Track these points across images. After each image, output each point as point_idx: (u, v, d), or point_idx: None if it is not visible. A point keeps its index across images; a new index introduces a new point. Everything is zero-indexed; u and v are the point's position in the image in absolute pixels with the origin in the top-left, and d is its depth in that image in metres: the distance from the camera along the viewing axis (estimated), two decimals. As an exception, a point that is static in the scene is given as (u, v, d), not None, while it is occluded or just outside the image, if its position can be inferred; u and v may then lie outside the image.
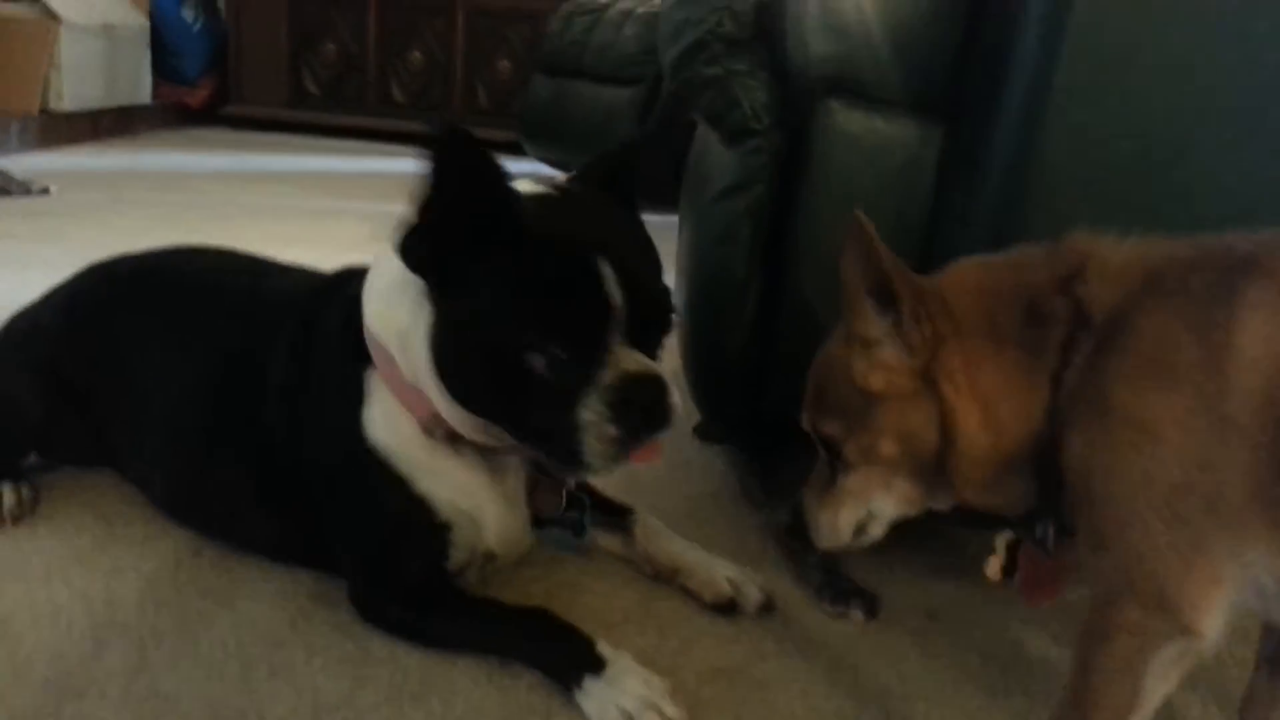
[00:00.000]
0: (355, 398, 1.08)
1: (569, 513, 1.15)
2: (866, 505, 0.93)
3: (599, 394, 0.94)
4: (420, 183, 0.94)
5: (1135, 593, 0.75)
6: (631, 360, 0.96)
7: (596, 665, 1.00)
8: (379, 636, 1.10)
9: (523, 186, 1.04)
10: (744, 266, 1.30)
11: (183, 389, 1.24)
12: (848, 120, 1.21)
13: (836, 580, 1.23)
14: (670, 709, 0.97)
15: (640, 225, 1.08)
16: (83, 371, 1.31)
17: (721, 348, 1.34)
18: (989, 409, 0.83)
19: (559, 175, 4.15)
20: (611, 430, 0.94)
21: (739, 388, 1.35)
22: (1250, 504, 0.71)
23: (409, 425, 1.07)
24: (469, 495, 1.09)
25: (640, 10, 4.13)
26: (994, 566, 0.97)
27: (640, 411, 0.95)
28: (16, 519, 1.30)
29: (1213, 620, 0.73)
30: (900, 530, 1.39)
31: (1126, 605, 0.75)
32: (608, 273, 0.93)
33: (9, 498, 1.31)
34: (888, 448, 0.88)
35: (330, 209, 3.58)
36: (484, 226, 0.95)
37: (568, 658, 1.03)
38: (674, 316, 1.04)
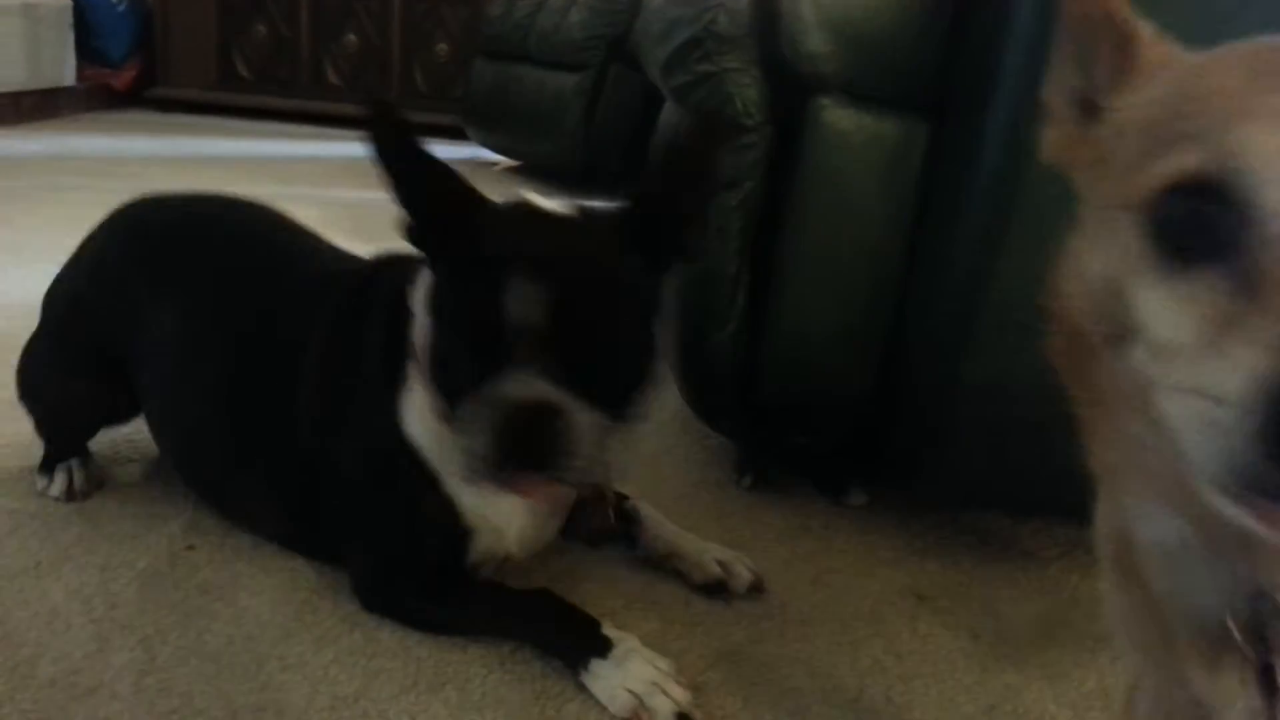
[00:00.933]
0: (394, 388, 1.09)
1: (619, 526, 1.17)
2: None
3: (483, 409, 0.93)
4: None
5: None
6: (530, 389, 0.92)
7: (603, 647, 1.02)
8: (387, 627, 1.11)
9: (534, 198, 1.06)
10: (734, 261, 1.33)
11: (209, 357, 1.25)
12: (837, 117, 1.25)
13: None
14: (676, 690, 1.00)
15: (616, 274, 1.00)
16: (124, 335, 1.31)
17: (711, 342, 1.37)
18: None
19: (504, 160, 4.09)
20: (477, 447, 0.93)
21: (728, 381, 1.39)
22: None
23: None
24: (496, 506, 1.09)
25: (584, -4, 4.13)
26: None
27: (514, 442, 0.92)
28: (86, 495, 1.34)
29: None
30: (881, 514, 1.44)
31: None
32: (535, 291, 0.91)
33: (77, 476, 1.34)
34: None
35: (277, 195, 3.46)
36: (447, 213, 0.98)
37: (574, 641, 1.05)
38: (617, 368, 0.98)
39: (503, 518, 1.11)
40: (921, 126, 1.25)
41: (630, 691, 1.00)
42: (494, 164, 4.78)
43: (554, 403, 0.93)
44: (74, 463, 1.35)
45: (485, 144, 4.64)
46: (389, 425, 1.09)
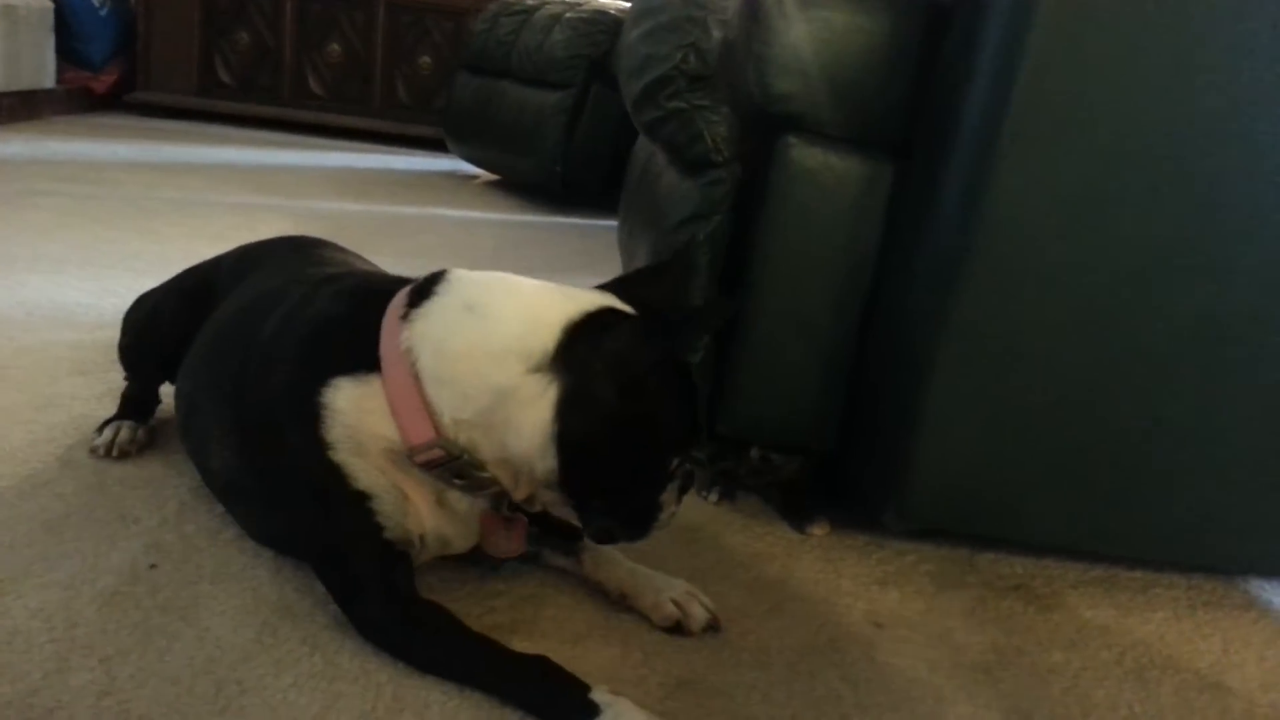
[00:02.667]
0: (321, 376, 1.13)
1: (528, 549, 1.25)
2: None
3: (680, 480, 1.16)
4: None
5: None
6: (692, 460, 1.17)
7: (590, 712, 1.00)
8: (348, 651, 1.12)
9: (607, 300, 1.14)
10: (701, 294, 1.35)
11: (217, 341, 1.37)
12: (804, 156, 1.27)
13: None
14: None
15: None
16: (215, 303, 1.47)
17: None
18: None
19: (483, 174, 4.12)
20: (675, 509, 1.17)
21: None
22: None
23: (375, 426, 1.12)
24: (386, 474, 1.13)
25: (569, 15, 4.16)
26: None
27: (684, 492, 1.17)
28: (124, 454, 1.49)
29: None
30: (844, 544, 1.47)
31: None
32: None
33: (124, 433, 1.50)
34: None
35: (255, 204, 3.50)
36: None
37: (561, 704, 1.03)
38: None
39: (394, 487, 1.14)
40: (887, 166, 1.28)
41: None
42: (473, 177, 4.80)
43: None
44: (125, 423, 1.52)
45: (465, 157, 4.66)
46: (306, 401, 1.13)
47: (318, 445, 1.12)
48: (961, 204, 1.17)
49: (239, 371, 1.25)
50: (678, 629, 1.21)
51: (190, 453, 1.43)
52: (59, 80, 5.13)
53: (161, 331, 1.53)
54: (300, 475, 1.15)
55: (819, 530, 1.48)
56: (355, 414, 1.12)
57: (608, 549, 1.28)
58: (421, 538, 1.17)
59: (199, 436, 1.37)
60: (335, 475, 1.12)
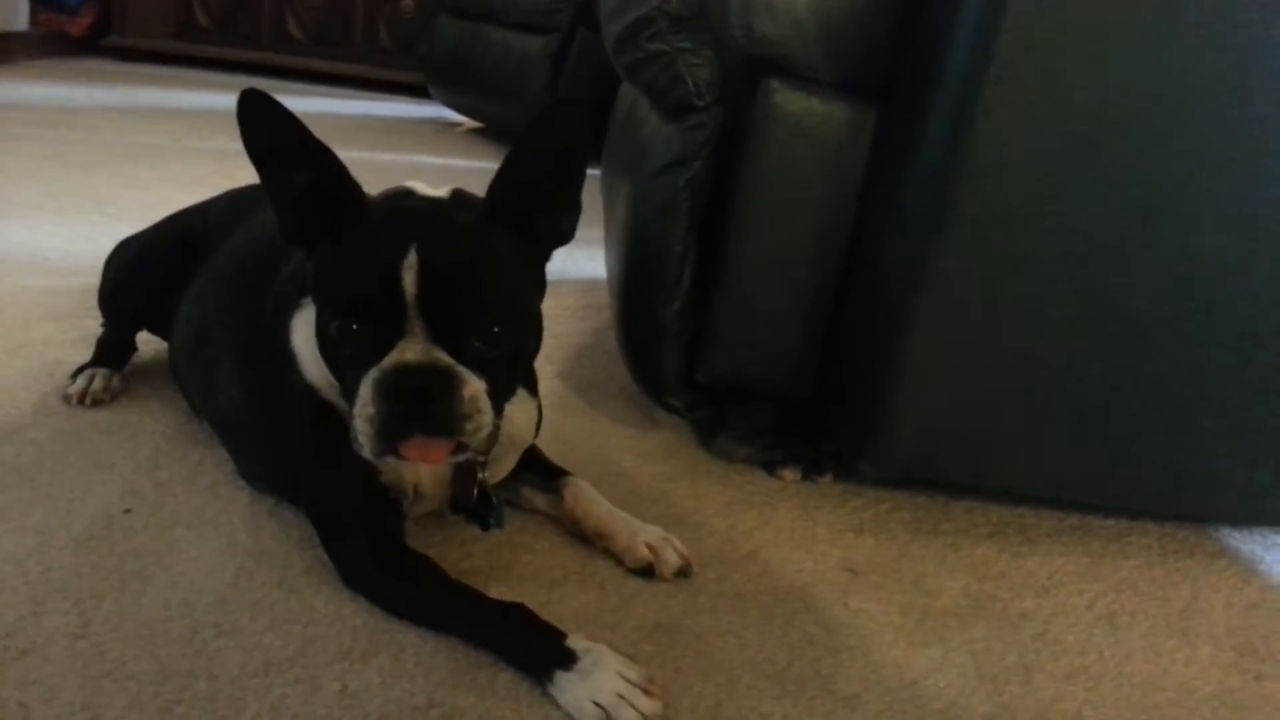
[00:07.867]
0: (289, 306, 1.17)
1: (479, 505, 1.18)
2: None
3: (374, 374, 0.98)
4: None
5: None
6: (416, 352, 0.98)
7: (567, 659, 1.00)
8: (323, 594, 1.12)
9: (417, 186, 1.11)
10: (682, 240, 1.34)
11: (234, 273, 1.37)
12: (786, 100, 1.25)
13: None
14: (644, 702, 0.98)
15: (489, 249, 1.04)
16: (204, 249, 1.48)
17: (657, 318, 1.38)
18: None
19: (468, 122, 4.05)
20: (371, 410, 0.98)
21: (674, 356, 1.40)
22: None
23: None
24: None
25: (553, -42, 4.07)
26: None
27: (405, 400, 0.97)
28: (98, 403, 1.49)
29: None
30: (822, 491, 1.47)
31: None
32: (410, 264, 0.97)
33: (98, 381, 1.50)
34: None
35: (233, 150, 3.42)
36: (326, 202, 1.03)
37: (537, 651, 1.03)
38: (496, 332, 1.02)
39: None
40: (870, 111, 1.27)
41: (596, 704, 0.97)
42: (457, 125, 4.73)
43: (443, 364, 0.99)
44: (100, 370, 1.52)
45: (449, 104, 4.60)
46: (279, 337, 1.17)
47: (316, 387, 1.13)
48: (944, 150, 1.15)
49: (255, 308, 1.24)
50: (649, 572, 1.21)
51: (189, 382, 1.43)
52: (32, 23, 5.03)
53: (144, 278, 1.52)
54: (299, 415, 1.16)
55: (790, 476, 1.48)
56: (308, 345, 1.12)
57: (586, 487, 1.29)
58: (416, 487, 1.16)
59: (206, 367, 1.36)
60: (333, 418, 1.11)
